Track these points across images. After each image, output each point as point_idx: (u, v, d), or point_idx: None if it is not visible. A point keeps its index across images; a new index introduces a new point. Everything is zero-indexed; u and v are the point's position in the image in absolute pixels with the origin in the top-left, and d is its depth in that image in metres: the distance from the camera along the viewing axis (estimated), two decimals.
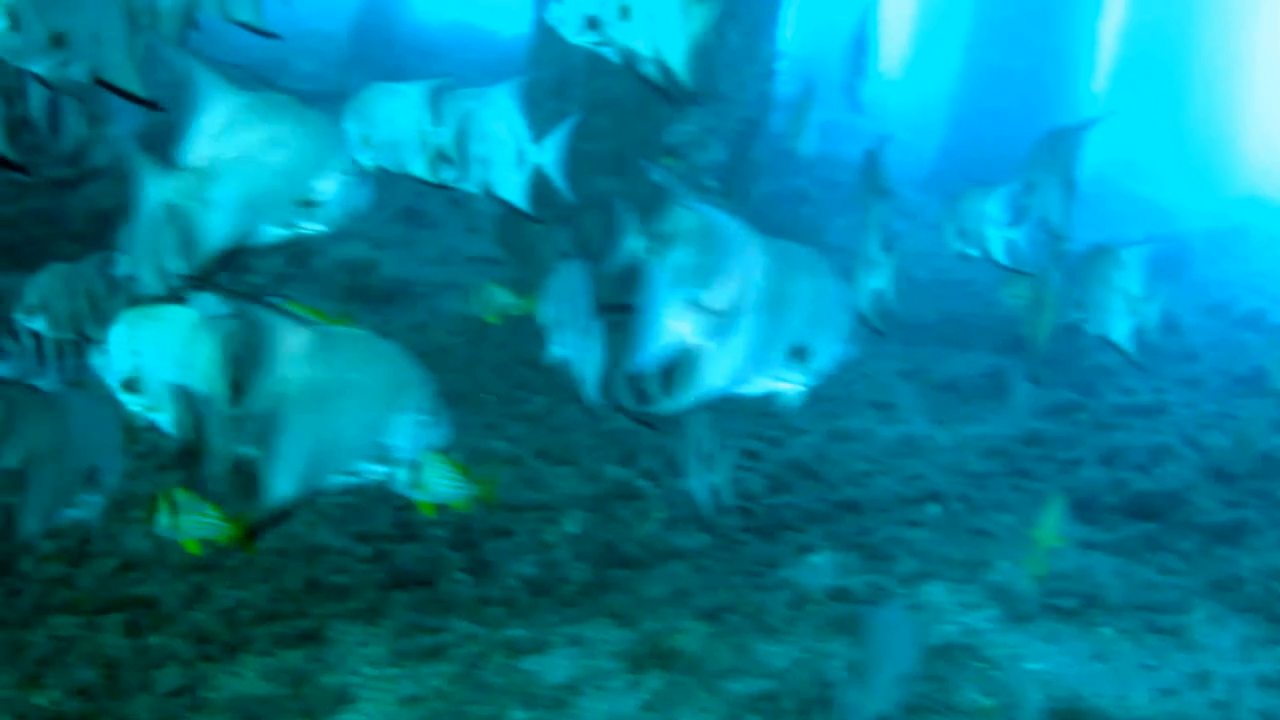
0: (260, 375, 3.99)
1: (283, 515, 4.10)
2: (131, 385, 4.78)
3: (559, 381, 11.66)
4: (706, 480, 8.15)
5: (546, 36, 13.58)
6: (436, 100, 5.94)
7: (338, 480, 4.33)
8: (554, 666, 7.75)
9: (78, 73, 4.83)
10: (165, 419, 4.88)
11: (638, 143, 12.84)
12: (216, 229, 4.52)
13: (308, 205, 4.71)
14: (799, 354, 4.35)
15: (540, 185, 6.10)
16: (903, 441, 12.25)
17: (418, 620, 8.00)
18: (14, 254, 12.46)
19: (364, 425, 4.28)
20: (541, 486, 9.94)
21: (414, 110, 5.98)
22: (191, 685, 7.24)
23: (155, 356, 4.79)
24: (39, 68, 4.86)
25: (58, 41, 4.83)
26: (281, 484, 4.05)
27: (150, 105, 4.94)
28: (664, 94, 5.72)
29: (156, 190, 4.47)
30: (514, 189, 6.08)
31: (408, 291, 13.84)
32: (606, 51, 5.73)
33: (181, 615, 7.79)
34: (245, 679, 7.37)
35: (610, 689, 7.67)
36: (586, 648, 7.98)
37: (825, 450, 11.68)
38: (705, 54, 5.74)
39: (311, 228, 4.78)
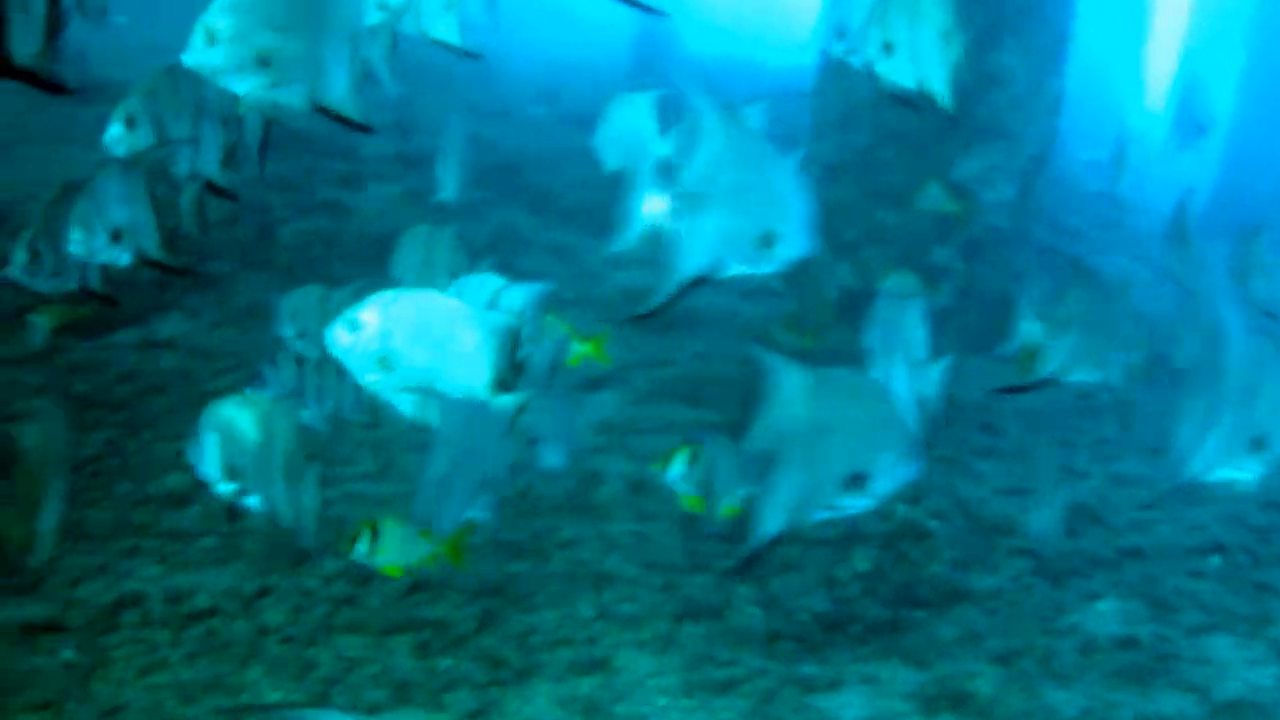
0: (764, 413, 4.02)
1: (769, 548, 4.18)
2: (384, 363, 4.77)
3: None
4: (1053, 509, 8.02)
5: (831, 70, 13.51)
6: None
7: (818, 515, 4.38)
8: (847, 705, 7.59)
9: (290, 96, 4.87)
10: (408, 402, 4.88)
11: (923, 177, 12.66)
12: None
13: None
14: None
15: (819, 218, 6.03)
16: (1182, 489, 11.90)
17: (709, 652, 7.90)
18: (292, 274, 12.70)
19: (849, 462, 4.34)
20: (831, 522, 9.77)
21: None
22: (483, 709, 7.22)
23: (409, 338, 4.79)
24: (241, 87, 4.93)
25: (264, 62, 4.87)
26: (773, 519, 4.13)
27: (364, 129, 4.97)
28: (952, 121, 5.77)
29: None
30: None
31: (688, 320, 13.78)
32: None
33: (472, 639, 7.78)
34: (536, 705, 7.32)
35: None
36: (879, 687, 7.82)
37: (1107, 494, 11.40)
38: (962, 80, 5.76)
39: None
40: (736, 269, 4.72)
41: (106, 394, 10.72)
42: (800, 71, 18.20)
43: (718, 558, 8.80)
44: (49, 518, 5.89)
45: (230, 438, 5.72)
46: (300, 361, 7.60)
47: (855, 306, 8.42)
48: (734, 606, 8.36)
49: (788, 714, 7.41)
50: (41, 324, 10.54)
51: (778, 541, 4.36)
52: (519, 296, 7.84)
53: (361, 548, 6.67)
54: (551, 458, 7.16)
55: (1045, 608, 9.13)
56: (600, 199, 16.43)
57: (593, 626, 8.00)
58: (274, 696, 7.19)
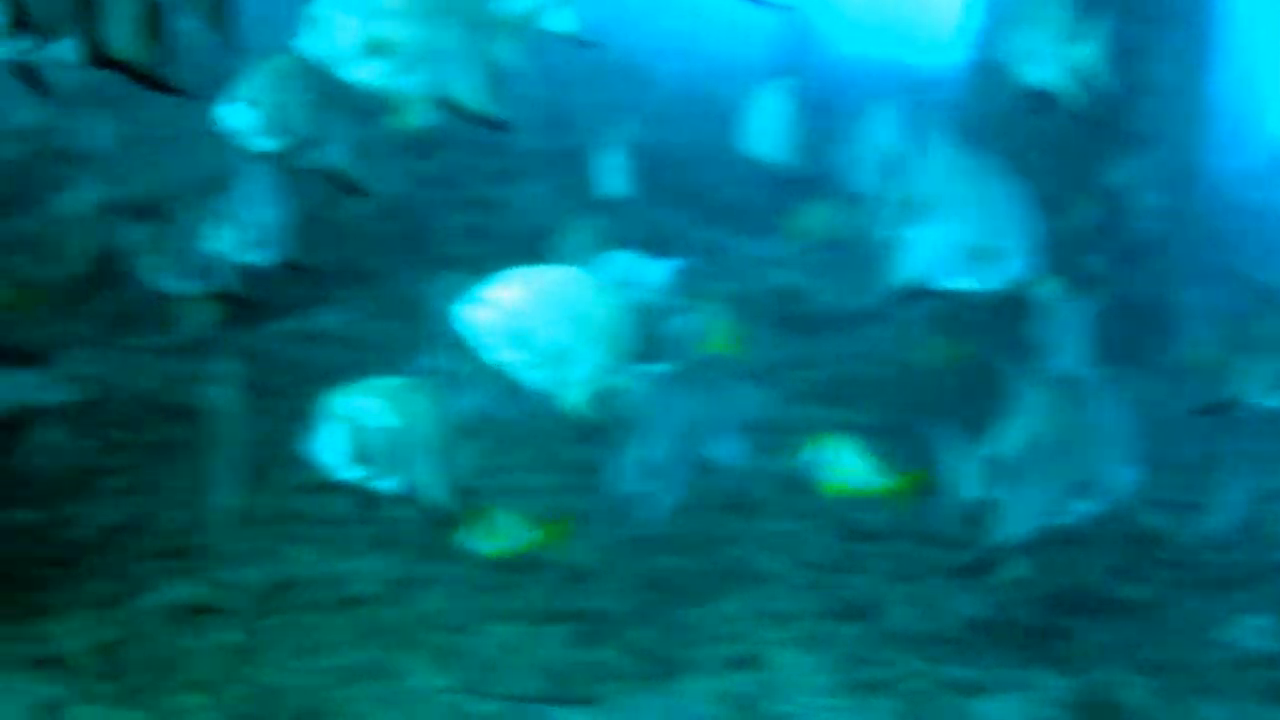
0: (1018, 421, 4.06)
1: (1008, 553, 4.26)
2: (517, 341, 4.75)
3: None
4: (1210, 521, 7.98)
5: (987, 73, 13.45)
6: None
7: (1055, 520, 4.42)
8: (1000, 711, 7.59)
9: (412, 86, 4.84)
10: (541, 378, 4.85)
11: (1075, 184, 12.62)
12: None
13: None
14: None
15: None
16: None
17: (862, 652, 7.93)
18: (445, 268, 12.81)
19: (1083, 468, 4.38)
20: (984, 524, 9.77)
21: None
22: (637, 702, 7.29)
23: (543, 316, 4.76)
24: (359, 76, 4.91)
25: (382, 50, 4.88)
26: (1016, 523, 4.19)
27: (498, 125, 4.95)
28: (1092, 124, 5.81)
29: None
30: None
31: (837, 320, 13.81)
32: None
33: (628, 631, 7.86)
34: (690, 700, 7.38)
35: None
36: (1031, 693, 7.79)
37: (1260, 508, 11.29)
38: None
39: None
40: (953, 283, 4.74)
41: (266, 383, 10.88)
42: (944, 72, 18.13)
43: (870, 558, 8.83)
44: None
45: (358, 424, 5.71)
46: (452, 353, 7.66)
47: (1000, 314, 8.43)
48: (888, 607, 8.39)
49: (942, 717, 7.43)
50: (201, 315, 10.73)
51: (1015, 546, 4.40)
52: (655, 273, 7.92)
53: (467, 533, 6.76)
54: (723, 449, 7.21)
55: (1197, 620, 9.08)
56: (748, 196, 16.54)
57: (747, 623, 8.05)
58: (432, 683, 7.29)
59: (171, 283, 6.87)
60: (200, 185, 7.29)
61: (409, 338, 7.97)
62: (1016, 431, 4.37)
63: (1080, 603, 8.84)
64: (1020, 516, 4.65)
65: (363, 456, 5.71)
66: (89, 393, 10.93)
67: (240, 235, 6.72)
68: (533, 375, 4.77)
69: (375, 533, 8.66)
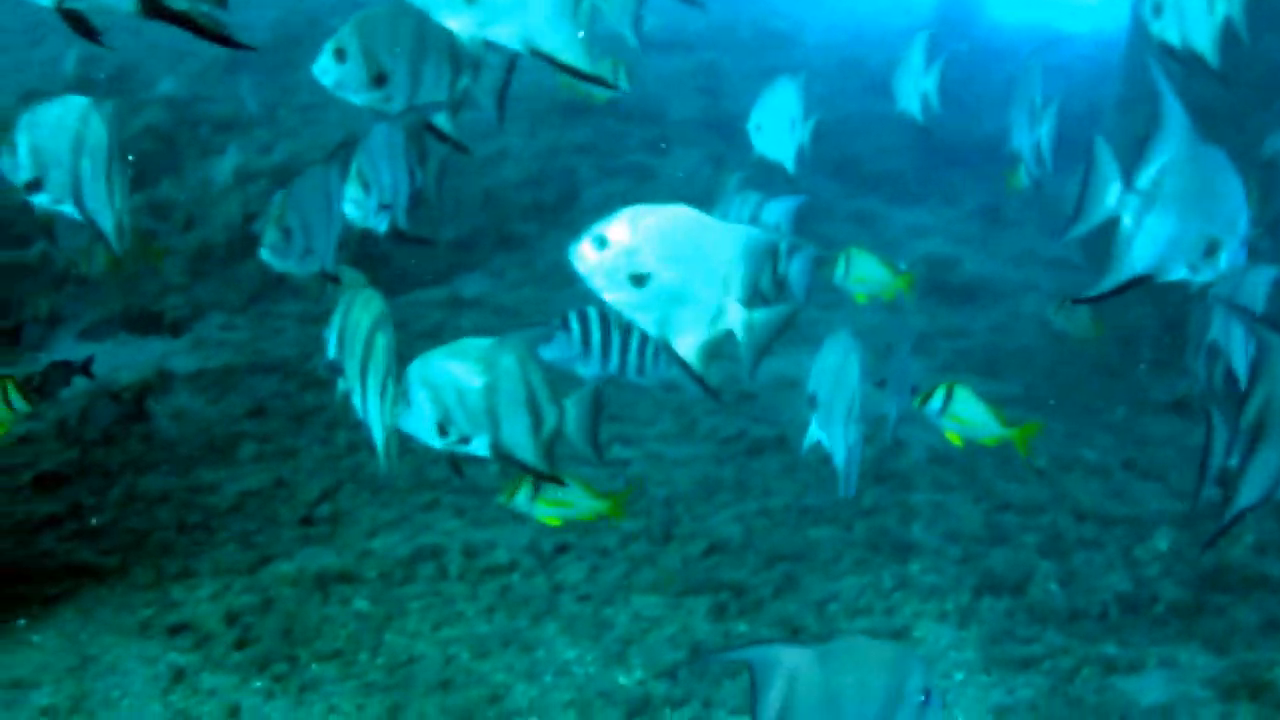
0: (1259, 388, 3.99)
1: (1239, 520, 4.18)
2: (634, 281, 4.61)
3: (1138, 396, 11.39)
4: None
5: (1133, 38, 13.15)
6: None
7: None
8: (1147, 688, 7.42)
9: (502, 37, 4.77)
10: (654, 319, 4.73)
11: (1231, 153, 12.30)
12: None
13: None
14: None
15: None
16: None
17: (1008, 627, 7.80)
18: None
19: None
20: (1130, 500, 9.59)
21: None
22: None
23: (660, 254, 4.62)
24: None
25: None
26: (1251, 492, 4.11)
27: (601, 82, 4.88)
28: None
29: None
30: None
31: (988, 290, 13.64)
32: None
33: (770, 604, 7.78)
34: None
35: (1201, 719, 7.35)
36: (1178, 671, 7.62)
37: None
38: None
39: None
40: (1177, 274, 4.66)
41: (410, 350, 10.89)
42: (1097, 37, 17.87)
43: (1019, 531, 8.69)
44: None
45: (442, 390, 5.57)
46: (586, 320, 7.57)
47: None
48: (1034, 582, 8.23)
49: (1088, 694, 7.27)
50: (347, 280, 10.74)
51: (1247, 513, 4.30)
52: (777, 211, 7.80)
53: (521, 499, 6.70)
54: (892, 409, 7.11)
55: None
56: (902, 166, 16.37)
57: (892, 596, 7.92)
58: (569, 654, 7.23)
59: (278, 263, 6.60)
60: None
61: (553, 306, 7.92)
62: (1259, 400, 4.24)
63: (1228, 580, 8.64)
64: (1254, 485, 4.50)
65: (448, 420, 5.57)
66: (228, 360, 11.01)
67: (373, 201, 6.63)
68: (646, 316, 4.64)
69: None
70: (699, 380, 4.62)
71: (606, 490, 6.85)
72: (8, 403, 7.51)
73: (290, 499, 8.79)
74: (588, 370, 7.48)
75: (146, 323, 11.86)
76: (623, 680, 7.08)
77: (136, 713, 6.73)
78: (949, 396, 7.21)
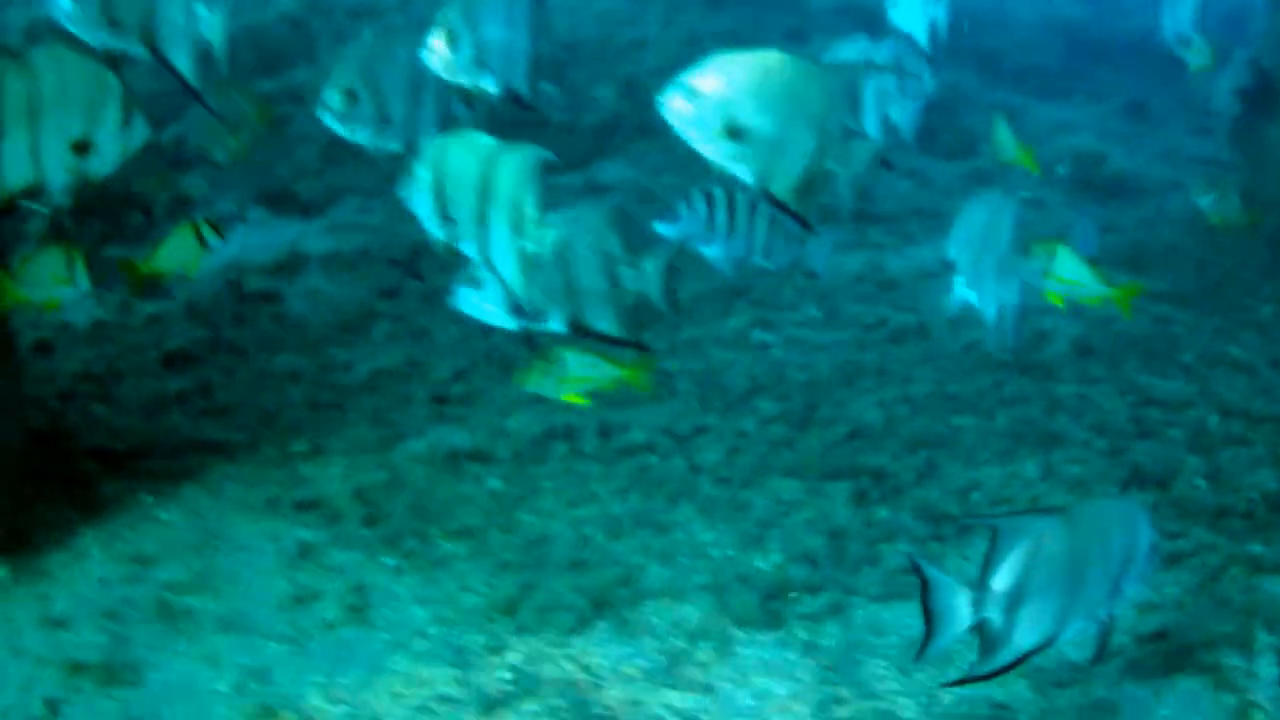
0: None
1: None
2: (729, 133, 4.46)
3: None
4: None
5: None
6: None
7: None
8: None
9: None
10: (753, 171, 4.57)
11: None
12: None
13: None
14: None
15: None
16: None
17: (1154, 522, 7.60)
18: None
19: None
20: (1277, 398, 9.38)
21: None
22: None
23: (756, 103, 4.50)
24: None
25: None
26: None
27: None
28: None
29: None
30: None
31: (1135, 186, 13.35)
32: None
33: (911, 490, 7.64)
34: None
35: None
36: None
37: None
38: None
39: None
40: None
41: None
42: None
43: (1165, 426, 8.49)
44: None
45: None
46: (712, 200, 7.42)
47: None
48: (1181, 477, 8.04)
49: (1235, 594, 7.08)
50: None
51: None
52: (882, 53, 7.55)
53: (540, 377, 6.58)
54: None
55: None
56: (1046, 61, 16.06)
57: (1037, 486, 7.73)
58: (705, 537, 7.11)
59: (344, 131, 6.05)
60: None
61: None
62: None
63: None
64: None
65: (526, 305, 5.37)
66: (363, 242, 10.96)
67: (462, 53, 5.81)
68: (741, 166, 4.51)
69: (653, 384, 8.52)
70: (799, 219, 4.50)
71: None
72: (201, 239, 7.53)
73: (423, 378, 8.73)
74: (712, 251, 7.34)
75: (280, 203, 11.86)
76: (760, 564, 6.96)
77: (261, 588, 6.69)
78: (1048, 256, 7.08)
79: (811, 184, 4.51)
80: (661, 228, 7.28)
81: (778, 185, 4.54)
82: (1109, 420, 8.48)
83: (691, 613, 6.53)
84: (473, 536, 7.09)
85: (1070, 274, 7.15)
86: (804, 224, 4.63)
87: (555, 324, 5.35)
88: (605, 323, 5.36)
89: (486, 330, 8.92)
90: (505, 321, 5.60)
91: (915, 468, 7.77)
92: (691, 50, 14.05)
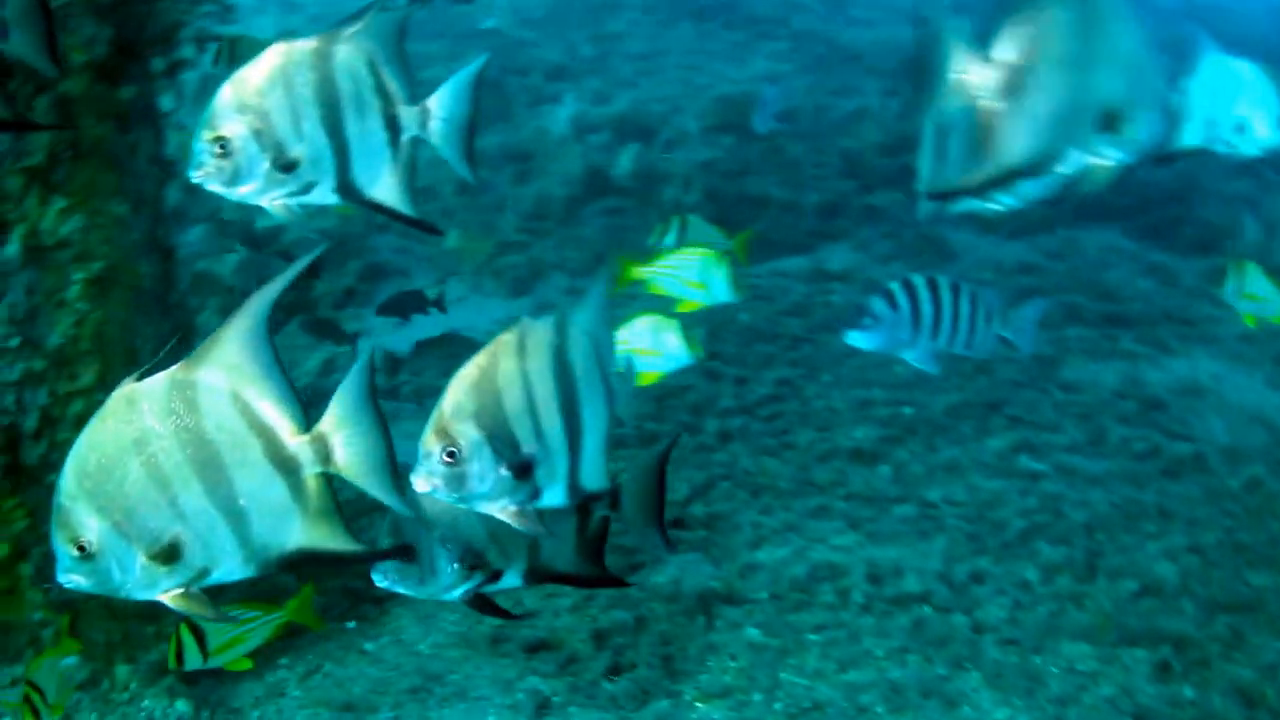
0: None
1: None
2: None
3: None
4: None
5: None
6: None
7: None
8: None
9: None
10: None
11: None
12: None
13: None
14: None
15: None
16: None
17: None
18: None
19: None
20: None
21: None
22: None
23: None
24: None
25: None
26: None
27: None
28: None
29: None
30: None
31: None
32: None
33: (1218, 663, 6.74)
34: None
35: None
36: None
37: None
38: None
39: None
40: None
41: (776, 327, 10.09)
42: None
43: None
44: None
45: None
46: (913, 290, 6.65)
47: None
48: None
49: None
50: None
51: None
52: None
53: None
54: None
55: None
56: None
57: None
58: (999, 715, 6.23)
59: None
60: None
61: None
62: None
63: None
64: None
65: None
66: None
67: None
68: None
69: (916, 515, 7.73)
70: None
71: None
72: None
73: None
74: (915, 350, 6.60)
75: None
76: None
77: None
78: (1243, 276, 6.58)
79: None
80: (857, 338, 6.61)
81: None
82: None
83: None
84: (731, 697, 6.27)
85: (1261, 290, 6.69)
86: None
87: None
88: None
89: (724, 439, 8.21)
90: None
91: (1218, 637, 6.88)
92: (911, 123, 13.37)
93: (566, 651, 6.52)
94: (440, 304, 9.72)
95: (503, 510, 3.70)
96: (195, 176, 3.80)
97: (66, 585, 3.27)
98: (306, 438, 3.27)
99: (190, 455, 3.19)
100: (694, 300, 7.09)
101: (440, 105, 4.13)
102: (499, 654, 6.49)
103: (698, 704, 6.19)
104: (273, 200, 3.91)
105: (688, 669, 6.43)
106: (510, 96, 14.26)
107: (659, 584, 7.01)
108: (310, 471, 3.29)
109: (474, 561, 4.04)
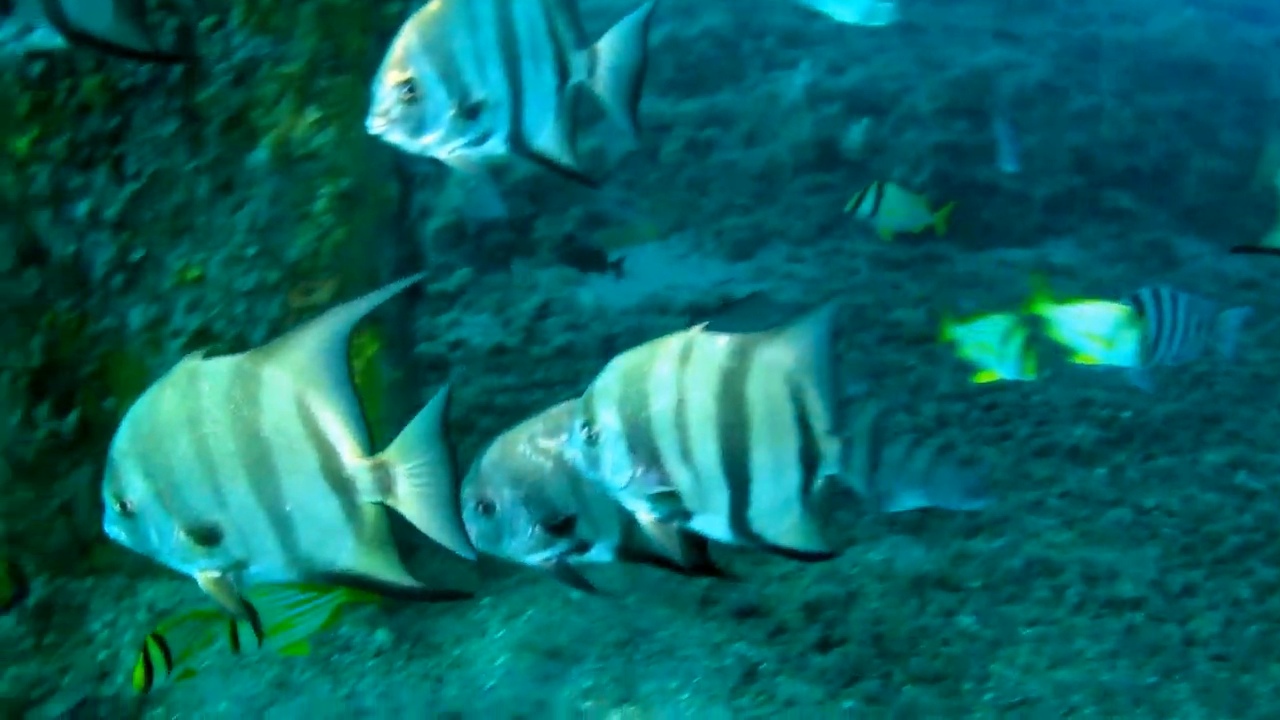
0: None
1: None
2: None
3: None
4: None
5: None
6: None
7: None
8: None
9: None
10: None
11: None
12: None
13: None
14: None
15: None
16: None
17: None
18: (1192, 218, 11.79)
19: None
20: None
21: None
22: None
23: None
24: None
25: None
26: None
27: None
28: None
29: None
30: None
31: None
32: None
33: None
34: None
35: None
36: None
37: None
38: None
39: None
40: None
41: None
42: None
43: None
44: None
45: None
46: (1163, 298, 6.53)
47: None
48: None
49: None
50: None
51: None
52: None
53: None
54: None
55: None
56: None
57: None
58: None
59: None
60: None
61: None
62: None
63: None
64: None
65: None
66: (794, 296, 10.38)
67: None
68: None
69: (1131, 521, 7.71)
70: None
71: None
72: None
73: None
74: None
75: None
76: None
77: (699, 712, 5.94)
78: None
79: None
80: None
81: None
82: None
83: None
84: (941, 684, 6.31)
85: None
86: None
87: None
88: None
89: (942, 422, 8.23)
90: None
91: None
92: (1146, 126, 13.25)
93: (776, 620, 6.58)
94: (619, 269, 9.64)
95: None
96: (374, 126, 3.58)
97: (110, 536, 3.24)
98: (368, 462, 3.11)
99: (240, 448, 3.10)
100: (1093, 356, 6.63)
101: (609, 51, 3.78)
102: (707, 616, 6.55)
103: (905, 687, 6.24)
104: (452, 151, 3.71)
105: (898, 650, 6.48)
106: (744, 59, 14.26)
107: (872, 561, 7.07)
108: (367, 498, 3.13)
109: (558, 527, 3.82)
